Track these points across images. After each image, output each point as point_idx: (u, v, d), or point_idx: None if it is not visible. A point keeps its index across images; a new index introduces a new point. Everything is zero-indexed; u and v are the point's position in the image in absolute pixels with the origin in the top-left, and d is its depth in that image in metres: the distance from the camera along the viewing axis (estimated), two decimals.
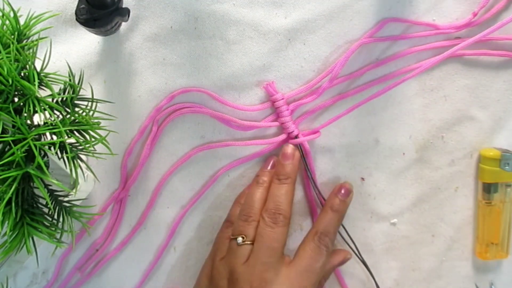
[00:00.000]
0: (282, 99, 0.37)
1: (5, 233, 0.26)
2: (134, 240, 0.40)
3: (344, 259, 0.38)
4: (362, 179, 0.40)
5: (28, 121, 0.27)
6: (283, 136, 0.38)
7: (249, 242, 0.35)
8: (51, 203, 0.29)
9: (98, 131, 0.29)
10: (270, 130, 0.39)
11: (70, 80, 0.29)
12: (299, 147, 0.38)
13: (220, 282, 0.35)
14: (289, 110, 0.38)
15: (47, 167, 0.27)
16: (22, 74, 0.27)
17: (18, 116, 0.25)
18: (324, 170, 0.40)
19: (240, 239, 0.35)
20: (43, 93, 0.28)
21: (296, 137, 0.38)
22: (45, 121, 0.26)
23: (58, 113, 0.28)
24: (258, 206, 0.36)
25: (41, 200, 0.29)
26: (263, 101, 0.38)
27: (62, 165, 0.31)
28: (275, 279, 0.33)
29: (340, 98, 0.39)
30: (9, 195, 0.25)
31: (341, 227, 0.39)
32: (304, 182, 0.40)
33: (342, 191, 0.38)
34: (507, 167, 0.39)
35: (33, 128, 0.26)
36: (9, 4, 0.28)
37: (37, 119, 0.27)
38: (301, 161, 0.38)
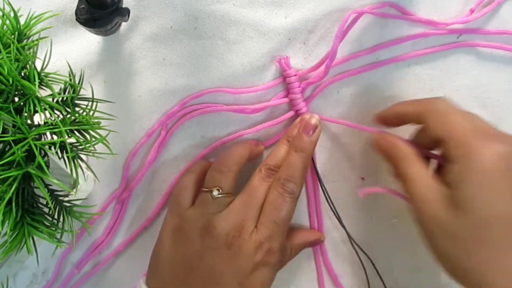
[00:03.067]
0: (295, 75, 0.37)
1: (5, 233, 0.26)
2: (134, 241, 0.40)
3: (317, 241, 0.38)
4: (362, 178, 0.40)
5: (29, 121, 0.27)
6: (291, 113, 0.38)
7: (226, 194, 0.34)
8: (51, 203, 0.29)
9: (98, 131, 0.29)
10: (278, 111, 0.39)
11: (70, 80, 0.29)
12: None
13: (192, 230, 0.33)
14: (300, 88, 0.37)
15: (48, 167, 0.27)
16: (23, 74, 0.27)
17: (18, 115, 0.25)
18: (324, 170, 0.40)
19: (216, 192, 0.34)
20: (43, 93, 0.28)
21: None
22: (46, 121, 0.26)
23: (58, 113, 0.28)
24: (237, 160, 0.35)
25: (41, 200, 0.29)
26: (267, 99, 0.38)
27: (63, 165, 0.31)
28: (251, 229, 0.33)
29: (345, 76, 0.38)
30: (9, 195, 0.25)
31: (339, 226, 0.39)
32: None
33: (312, 123, 0.35)
34: None
35: (34, 128, 0.26)
36: (10, 4, 0.28)
37: (38, 119, 0.27)
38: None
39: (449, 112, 0.31)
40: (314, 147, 0.35)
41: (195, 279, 0.32)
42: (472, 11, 0.38)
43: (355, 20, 0.37)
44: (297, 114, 0.38)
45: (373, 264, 0.39)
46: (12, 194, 0.25)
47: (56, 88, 0.28)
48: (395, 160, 0.33)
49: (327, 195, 0.39)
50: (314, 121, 0.35)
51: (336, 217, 0.39)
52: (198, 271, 0.32)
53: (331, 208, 0.39)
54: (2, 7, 0.28)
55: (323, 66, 0.36)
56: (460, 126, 0.30)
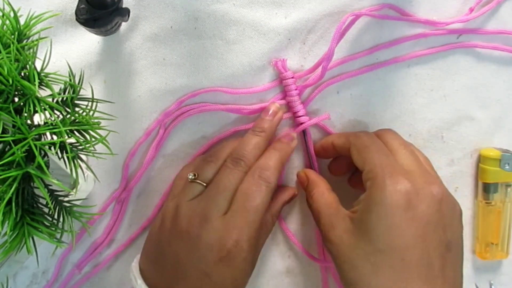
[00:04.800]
0: (292, 77, 0.37)
1: (5, 233, 0.26)
2: (134, 241, 0.40)
3: (292, 196, 0.38)
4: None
5: (28, 121, 0.27)
6: (288, 115, 0.38)
7: (200, 182, 0.34)
8: (51, 203, 0.29)
9: (98, 131, 0.29)
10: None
11: (70, 80, 0.29)
12: (303, 132, 0.38)
13: (166, 219, 0.34)
14: (297, 90, 0.37)
15: (47, 167, 0.27)
16: (22, 74, 0.27)
17: (18, 116, 0.25)
18: (324, 169, 0.40)
19: (191, 175, 0.34)
20: (43, 93, 0.28)
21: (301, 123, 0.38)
22: (45, 121, 0.26)
23: (58, 113, 0.28)
24: (228, 152, 0.35)
25: (41, 200, 0.29)
26: (265, 100, 0.38)
27: (62, 165, 0.31)
28: (215, 219, 0.32)
29: (343, 78, 0.38)
30: (9, 195, 0.25)
31: None
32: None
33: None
34: (507, 167, 0.39)
35: (33, 128, 0.26)
36: (9, 4, 0.28)
37: (37, 119, 0.27)
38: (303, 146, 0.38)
39: (367, 147, 0.34)
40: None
41: (165, 264, 0.33)
42: (471, 10, 0.39)
43: (352, 22, 0.37)
44: (294, 116, 0.38)
45: None
46: (12, 194, 0.25)
47: (56, 88, 0.28)
48: (307, 187, 0.37)
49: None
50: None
51: None
52: (167, 256, 0.33)
53: None
54: (2, 7, 0.28)
55: (319, 68, 0.37)
56: (373, 160, 0.33)
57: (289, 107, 0.38)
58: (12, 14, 0.28)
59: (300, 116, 0.38)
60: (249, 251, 0.32)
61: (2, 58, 0.25)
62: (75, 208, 0.31)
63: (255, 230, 0.32)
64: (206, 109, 0.38)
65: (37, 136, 0.26)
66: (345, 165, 0.38)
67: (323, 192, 0.36)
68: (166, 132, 0.38)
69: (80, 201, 0.33)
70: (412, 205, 0.30)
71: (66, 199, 0.31)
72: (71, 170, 0.28)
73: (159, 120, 0.38)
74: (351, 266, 0.31)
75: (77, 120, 0.28)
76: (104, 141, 0.29)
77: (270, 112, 0.37)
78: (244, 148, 0.35)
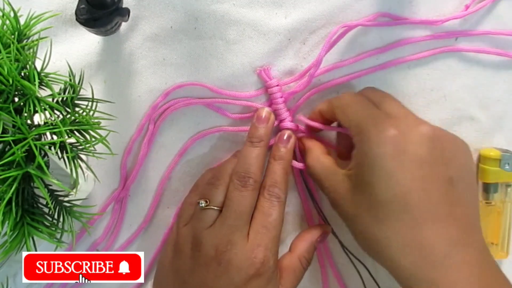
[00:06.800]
0: (277, 85, 0.37)
1: (5, 233, 0.26)
2: (134, 242, 0.40)
3: (323, 233, 0.37)
4: None
5: (28, 121, 0.27)
6: (275, 123, 0.38)
7: (214, 207, 0.34)
8: (51, 203, 0.29)
9: (98, 131, 0.29)
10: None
11: (70, 80, 0.29)
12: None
13: (184, 247, 0.33)
14: (283, 98, 0.37)
15: (47, 167, 0.27)
16: (23, 74, 0.27)
17: (18, 116, 0.25)
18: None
19: (203, 203, 0.34)
20: (43, 93, 0.28)
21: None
22: (45, 121, 0.26)
23: (58, 113, 0.28)
24: (229, 172, 0.35)
25: (41, 200, 0.29)
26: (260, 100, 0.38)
27: (62, 165, 0.31)
28: (241, 241, 0.32)
29: (330, 85, 0.38)
30: (9, 195, 0.25)
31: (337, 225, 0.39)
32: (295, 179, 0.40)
33: (284, 138, 0.37)
34: (507, 167, 0.39)
35: (34, 128, 0.26)
36: (9, 4, 0.28)
37: (37, 119, 0.27)
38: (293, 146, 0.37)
39: (349, 104, 0.34)
40: (291, 155, 0.37)
41: None
42: (467, 7, 0.39)
43: (343, 33, 0.37)
44: (280, 123, 0.38)
45: (367, 269, 0.39)
46: (12, 194, 0.25)
47: (56, 88, 0.28)
48: (305, 151, 0.37)
49: (315, 202, 0.39)
50: (286, 135, 0.37)
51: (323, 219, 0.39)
52: (190, 284, 0.33)
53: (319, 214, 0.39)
54: (2, 7, 0.28)
55: (306, 76, 0.37)
56: (356, 115, 0.33)
57: (275, 114, 0.38)
58: (12, 14, 0.28)
59: (286, 123, 0.38)
60: (275, 266, 0.33)
61: (2, 58, 0.25)
62: (75, 208, 0.31)
63: (277, 244, 0.34)
64: (193, 103, 0.38)
65: (37, 136, 0.26)
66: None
67: (318, 157, 0.36)
68: (155, 126, 0.38)
69: (80, 201, 0.33)
70: (401, 149, 0.30)
71: (66, 199, 0.31)
72: (71, 170, 0.28)
73: (148, 115, 0.38)
74: (357, 223, 0.32)
75: (77, 120, 0.28)
76: (104, 141, 0.29)
77: (263, 117, 0.36)
78: (247, 163, 0.34)
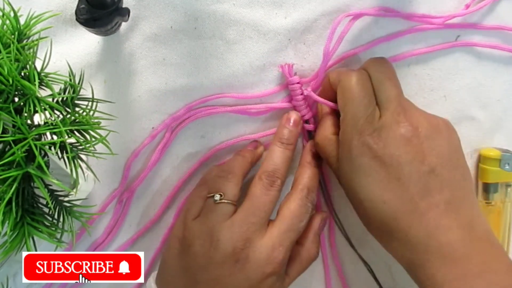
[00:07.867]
0: (298, 83, 0.37)
1: (6, 233, 0.26)
2: (135, 242, 0.40)
3: (323, 220, 0.37)
4: None
5: (29, 121, 0.27)
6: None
7: (227, 201, 0.33)
8: (51, 203, 0.29)
9: (98, 131, 0.29)
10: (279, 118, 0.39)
11: (70, 80, 0.29)
12: (312, 134, 0.38)
13: (195, 242, 0.32)
14: (303, 95, 0.37)
15: (48, 167, 0.27)
16: (23, 74, 0.27)
17: (18, 116, 0.25)
18: (325, 169, 0.40)
19: (217, 196, 0.33)
20: (43, 93, 0.28)
21: (307, 122, 0.38)
22: (46, 121, 0.26)
23: (58, 113, 0.28)
24: (241, 165, 0.35)
25: (41, 200, 0.29)
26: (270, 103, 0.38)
27: (62, 165, 0.31)
28: (259, 239, 0.32)
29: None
30: (9, 195, 0.25)
31: (339, 227, 0.39)
32: None
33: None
34: (507, 167, 0.39)
35: (34, 128, 0.26)
36: (9, 4, 0.28)
37: (38, 119, 0.27)
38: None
39: (348, 89, 0.33)
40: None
41: None
42: (467, 6, 0.39)
43: (347, 27, 0.37)
44: (301, 120, 0.38)
45: (369, 266, 0.39)
46: (12, 194, 0.25)
47: (56, 88, 0.28)
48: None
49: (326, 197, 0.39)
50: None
51: (335, 219, 0.39)
52: (204, 283, 0.32)
53: (330, 210, 0.39)
54: (2, 7, 0.28)
55: (320, 73, 0.37)
56: (349, 106, 0.33)
57: (296, 110, 0.38)
58: (12, 14, 0.28)
59: (306, 120, 0.38)
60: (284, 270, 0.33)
61: (2, 58, 0.25)
62: (75, 208, 0.31)
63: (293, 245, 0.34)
64: (213, 112, 0.38)
65: (37, 136, 0.26)
66: None
67: (326, 136, 0.36)
68: (172, 135, 0.38)
69: (80, 201, 0.33)
70: (377, 156, 0.31)
71: (66, 199, 0.31)
72: (71, 170, 0.28)
73: (166, 123, 0.38)
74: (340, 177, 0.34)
75: (77, 120, 0.28)
76: (104, 141, 0.29)
77: (296, 120, 0.37)
78: (276, 163, 0.34)
